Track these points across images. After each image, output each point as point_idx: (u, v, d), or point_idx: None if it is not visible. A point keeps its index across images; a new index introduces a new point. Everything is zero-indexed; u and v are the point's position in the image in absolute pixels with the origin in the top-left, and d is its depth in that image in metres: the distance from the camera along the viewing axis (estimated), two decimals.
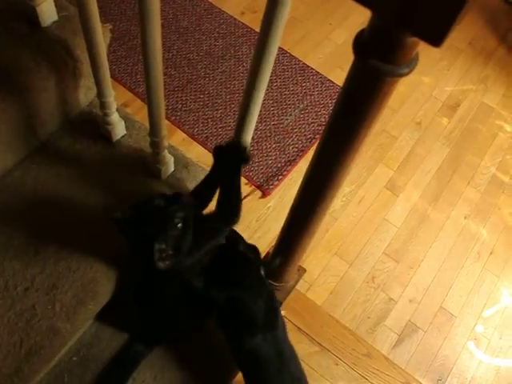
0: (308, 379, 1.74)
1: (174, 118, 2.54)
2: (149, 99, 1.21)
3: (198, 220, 1.27)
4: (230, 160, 1.28)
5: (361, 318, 2.17)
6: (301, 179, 2.44)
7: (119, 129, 1.51)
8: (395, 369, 1.88)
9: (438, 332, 2.20)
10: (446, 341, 2.20)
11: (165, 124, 1.31)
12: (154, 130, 1.29)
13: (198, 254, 1.29)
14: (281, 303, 1.44)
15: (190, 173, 1.55)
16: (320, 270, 2.23)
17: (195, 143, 2.43)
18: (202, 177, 1.51)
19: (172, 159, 1.47)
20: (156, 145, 1.35)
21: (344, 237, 2.32)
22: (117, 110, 1.48)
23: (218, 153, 1.30)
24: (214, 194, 1.36)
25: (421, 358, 2.14)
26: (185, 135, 2.46)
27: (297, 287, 2.14)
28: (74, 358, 1.49)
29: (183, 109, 2.59)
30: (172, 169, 1.52)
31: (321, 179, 1.04)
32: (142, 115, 1.72)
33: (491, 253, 2.44)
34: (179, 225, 1.19)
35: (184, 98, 2.62)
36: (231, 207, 1.36)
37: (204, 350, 1.54)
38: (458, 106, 2.86)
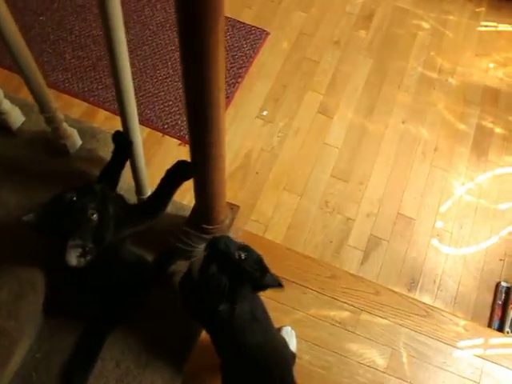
0: (280, 314, 1.75)
1: (92, 98, 2.45)
2: (23, 74, 1.14)
3: (121, 208, 1.24)
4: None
5: (323, 244, 2.17)
6: (232, 127, 2.41)
7: (15, 116, 1.44)
8: (363, 282, 1.88)
9: (401, 238, 2.21)
10: (411, 244, 2.21)
11: (51, 97, 1.24)
12: (42, 106, 1.23)
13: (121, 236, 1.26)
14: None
15: (99, 141, 1.50)
16: (273, 209, 2.21)
17: (101, 110, 2.36)
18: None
19: (75, 131, 1.41)
20: (51, 120, 1.29)
21: (289, 171, 2.30)
22: (6, 97, 1.40)
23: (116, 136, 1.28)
24: (120, 173, 1.33)
25: (390, 268, 2.16)
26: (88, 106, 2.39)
27: (253, 231, 2.13)
28: (38, 355, 1.45)
29: (99, 87, 2.50)
30: (79, 142, 1.47)
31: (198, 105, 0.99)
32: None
33: (435, 150, 2.45)
34: (94, 216, 1.15)
35: (98, 77, 2.53)
36: (159, 204, 1.36)
37: (164, 317, 1.51)
38: (372, 16, 2.83)
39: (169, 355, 1.50)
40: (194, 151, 1.13)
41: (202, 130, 1.05)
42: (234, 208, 1.43)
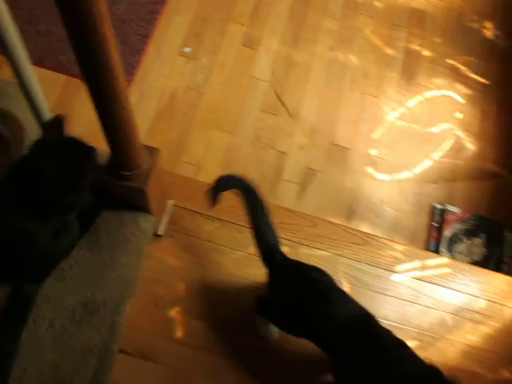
0: (218, 255, 1.69)
1: None
2: None
3: None
4: None
5: (258, 181, 2.08)
6: (154, 67, 2.27)
7: None
8: (299, 216, 1.84)
9: (336, 168, 2.18)
10: (346, 174, 2.19)
11: None
12: None
13: None
14: (142, 190, 1.32)
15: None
16: (204, 149, 2.12)
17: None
18: (11, 91, 1.33)
19: None
20: None
21: (217, 108, 2.20)
22: None
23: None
24: None
25: (328, 199, 2.13)
26: None
27: (185, 173, 2.04)
28: None
29: None
30: None
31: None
32: None
33: (365, 76, 2.40)
34: None
35: None
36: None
37: (93, 270, 1.43)
38: None
39: (104, 308, 1.42)
40: (91, 93, 1.02)
41: (91, 66, 0.93)
42: (153, 151, 1.33)
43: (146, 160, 1.31)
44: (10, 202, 1.26)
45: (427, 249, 2.13)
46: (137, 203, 1.40)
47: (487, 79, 2.52)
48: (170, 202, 1.73)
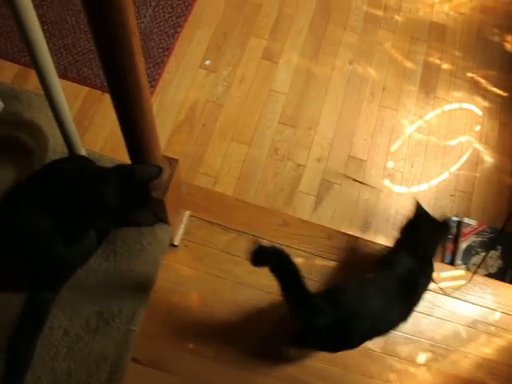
0: (233, 266, 1.72)
1: (23, 59, 2.32)
2: None
3: None
4: None
5: (274, 192, 2.14)
6: (175, 79, 2.32)
7: None
8: (315, 228, 1.86)
9: (353, 181, 2.19)
10: (363, 187, 2.20)
11: None
12: None
13: None
14: (161, 200, 1.35)
15: (23, 102, 1.41)
16: (221, 160, 2.16)
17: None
18: (38, 103, 1.38)
19: None
20: None
21: (235, 120, 2.24)
22: None
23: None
24: None
25: (343, 211, 2.15)
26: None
27: (202, 184, 2.08)
28: None
29: None
30: (2, 105, 1.37)
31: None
32: None
33: (384, 89, 2.42)
34: None
35: None
36: None
37: (109, 280, 1.47)
38: None
39: (119, 317, 1.45)
40: (116, 103, 1.06)
41: (118, 77, 0.97)
42: (172, 162, 1.37)
43: (165, 170, 1.34)
44: (30, 206, 1.29)
45: (443, 261, 2.13)
46: (155, 213, 1.44)
47: (506, 91, 2.52)
48: (187, 213, 1.76)
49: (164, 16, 2.42)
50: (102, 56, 0.94)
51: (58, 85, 1.17)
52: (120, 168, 1.26)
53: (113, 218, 1.29)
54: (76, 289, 1.44)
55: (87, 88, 2.22)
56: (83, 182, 1.24)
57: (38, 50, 1.05)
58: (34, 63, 1.09)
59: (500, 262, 2.15)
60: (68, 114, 1.28)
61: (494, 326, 1.85)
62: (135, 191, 1.23)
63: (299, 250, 1.79)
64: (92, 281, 1.45)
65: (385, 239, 2.13)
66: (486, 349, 1.82)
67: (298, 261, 1.77)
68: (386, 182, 2.20)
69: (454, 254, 2.13)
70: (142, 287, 1.48)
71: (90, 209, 1.23)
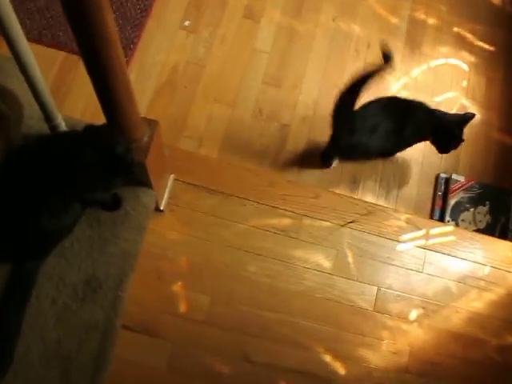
0: (220, 229, 1.69)
1: None
2: None
3: None
4: None
5: (260, 153, 2.10)
6: (154, 41, 2.25)
7: None
8: (302, 187, 1.84)
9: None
10: None
11: None
12: None
13: None
14: (142, 163, 1.31)
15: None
16: (205, 122, 2.12)
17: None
18: (8, 67, 1.33)
19: None
20: None
21: (218, 81, 2.18)
22: None
23: None
24: None
25: (331, 170, 2.12)
26: None
27: (187, 147, 2.03)
28: None
29: None
30: None
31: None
32: None
33: (368, 46, 2.37)
34: None
35: None
36: None
37: (94, 248, 1.44)
38: None
39: (106, 284, 1.43)
40: (87, 64, 1.01)
41: (86, 36, 0.92)
42: (152, 123, 1.32)
43: (145, 133, 1.30)
44: (14, 177, 1.26)
45: (432, 218, 2.12)
46: (137, 177, 1.40)
47: (493, 46, 2.48)
48: (171, 177, 1.72)
49: None
50: (68, 13, 0.88)
51: (26, 48, 1.11)
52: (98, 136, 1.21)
53: (97, 186, 1.26)
54: (62, 257, 1.41)
55: (64, 53, 2.15)
56: (66, 153, 1.20)
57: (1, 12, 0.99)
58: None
59: (489, 217, 2.15)
60: (40, 79, 1.22)
61: (483, 280, 1.85)
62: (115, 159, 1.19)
63: (286, 210, 1.76)
64: (77, 249, 1.42)
65: (374, 198, 2.11)
66: (477, 303, 1.83)
67: (286, 222, 1.75)
68: None
69: (443, 210, 2.12)
70: (128, 253, 1.45)
71: (74, 178, 1.19)
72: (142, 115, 1.80)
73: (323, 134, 2.10)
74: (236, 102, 2.14)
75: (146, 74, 2.14)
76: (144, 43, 2.19)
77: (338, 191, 2.06)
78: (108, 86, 1.08)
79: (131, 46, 2.19)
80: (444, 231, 1.89)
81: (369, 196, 2.09)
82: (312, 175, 2.08)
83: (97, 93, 1.10)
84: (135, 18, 2.25)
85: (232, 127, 2.09)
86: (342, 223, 1.77)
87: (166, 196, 1.70)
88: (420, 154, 2.19)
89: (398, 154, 2.16)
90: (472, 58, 2.42)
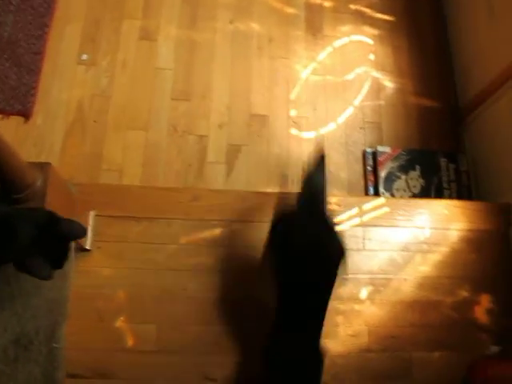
0: (153, 254, 1.66)
1: None
2: None
3: None
4: None
5: (183, 170, 2.07)
6: (54, 82, 2.20)
7: None
8: (226, 194, 1.82)
9: (260, 138, 2.15)
10: (271, 141, 2.16)
11: None
12: None
13: None
14: (42, 208, 1.26)
15: None
16: (122, 152, 2.08)
17: None
18: None
19: None
20: None
21: (126, 108, 2.15)
22: None
23: None
24: None
25: (257, 171, 2.11)
26: None
27: (108, 181, 1.99)
28: None
29: None
30: None
31: None
32: None
33: (270, 40, 2.37)
34: None
35: None
36: None
37: (13, 297, 1.38)
38: None
39: (37, 338, 1.37)
40: None
41: None
42: (44, 166, 1.28)
43: (37, 177, 1.25)
44: None
45: (367, 194, 2.12)
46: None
47: (392, 16, 2.51)
48: (92, 213, 1.68)
49: (27, 18, 2.28)
50: None
51: None
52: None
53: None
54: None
55: None
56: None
57: None
58: None
59: (422, 180, 2.16)
60: None
61: (425, 243, 1.86)
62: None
63: (214, 220, 1.74)
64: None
65: None
66: (424, 267, 1.83)
67: (216, 231, 1.72)
68: (293, 131, 2.17)
69: (375, 184, 2.12)
70: (55, 301, 1.40)
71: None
72: (55, 158, 1.77)
73: (242, 136, 2.09)
74: (148, 124, 2.11)
75: (53, 116, 2.10)
76: (44, 86, 2.14)
77: (269, 189, 2.04)
78: None
79: (32, 91, 2.14)
80: (377, 204, 1.89)
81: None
82: (240, 180, 2.06)
83: None
84: (30, 62, 2.20)
85: (149, 151, 2.06)
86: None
87: (89, 234, 1.65)
88: (342, 133, 2.19)
89: (321, 137, 2.15)
90: (374, 31, 2.45)
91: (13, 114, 2.10)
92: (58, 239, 1.13)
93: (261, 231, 1.73)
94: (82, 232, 1.18)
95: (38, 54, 2.22)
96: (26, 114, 2.09)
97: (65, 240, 1.15)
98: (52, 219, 1.12)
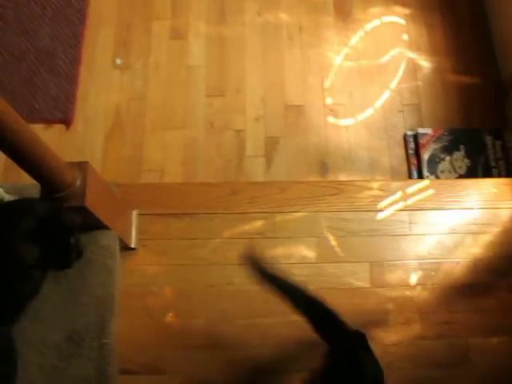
0: (196, 249, 1.66)
1: None
2: None
3: None
4: None
5: (223, 166, 2.08)
6: (92, 89, 2.23)
7: None
8: (265, 186, 1.81)
9: (297, 129, 2.13)
10: (308, 131, 2.14)
11: None
12: None
13: None
14: (82, 207, 1.28)
15: None
16: (161, 152, 2.09)
17: None
18: None
19: None
20: None
21: (163, 108, 2.17)
22: None
23: None
24: None
25: (297, 161, 2.09)
26: None
27: (149, 180, 2.01)
28: None
29: None
30: None
31: None
32: None
33: (300, 29, 2.35)
34: None
35: None
36: None
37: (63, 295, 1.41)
38: None
39: (88, 335, 1.39)
40: None
41: None
42: (82, 165, 1.29)
43: (76, 177, 1.27)
44: None
45: (411, 178, 2.07)
46: (87, 221, 1.36)
47: None
48: (134, 212, 1.70)
49: (62, 29, 2.33)
50: None
51: None
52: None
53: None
54: (37, 321, 1.39)
55: None
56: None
57: None
58: None
59: (467, 160, 2.09)
60: None
61: (475, 224, 1.80)
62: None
63: (256, 212, 1.73)
64: (50, 308, 1.39)
65: (347, 175, 2.07)
66: (475, 249, 1.78)
67: (258, 224, 1.71)
68: (330, 119, 2.14)
69: (419, 167, 2.07)
70: (103, 298, 1.42)
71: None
72: (98, 163, 1.80)
73: (279, 127, 2.08)
74: (185, 123, 2.11)
75: (92, 122, 2.13)
76: (82, 93, 2.18)
77: (310, 179, 2.02)
78: (15, 142, 1.05)
79: (71, 99, 2.18)
80: (421, 187, 1.84)
81: (342, 175, 2.05)
82: (280, 172, 2.04)
83: (7, 154, 1.08)
84: (68, 71, 2.24)
85: (188, 149, 2.07)
86: (316, 209, 1.73)
87: (133, 233, 1.67)
88: (381, 117, 2.14)
89: (359, 123, 2.12)
90: (406, 11, 2.39)
91: (55, 123, 2.14)
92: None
93: (305, 220, 1.71)
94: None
95: (75, 62, 2.26)
96: (66, 122, 2.13)
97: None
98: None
